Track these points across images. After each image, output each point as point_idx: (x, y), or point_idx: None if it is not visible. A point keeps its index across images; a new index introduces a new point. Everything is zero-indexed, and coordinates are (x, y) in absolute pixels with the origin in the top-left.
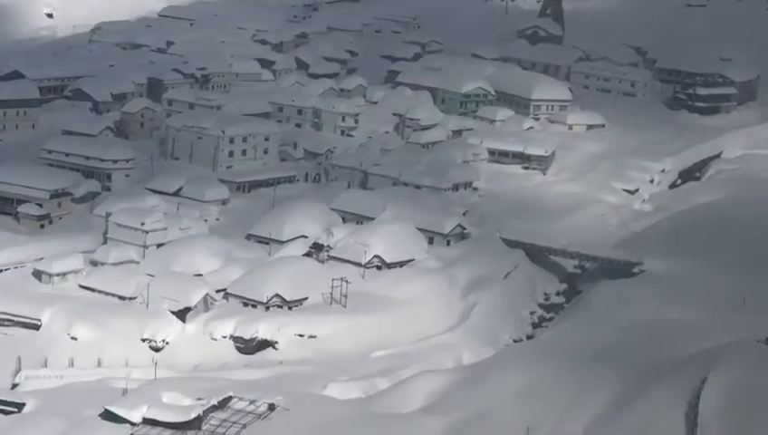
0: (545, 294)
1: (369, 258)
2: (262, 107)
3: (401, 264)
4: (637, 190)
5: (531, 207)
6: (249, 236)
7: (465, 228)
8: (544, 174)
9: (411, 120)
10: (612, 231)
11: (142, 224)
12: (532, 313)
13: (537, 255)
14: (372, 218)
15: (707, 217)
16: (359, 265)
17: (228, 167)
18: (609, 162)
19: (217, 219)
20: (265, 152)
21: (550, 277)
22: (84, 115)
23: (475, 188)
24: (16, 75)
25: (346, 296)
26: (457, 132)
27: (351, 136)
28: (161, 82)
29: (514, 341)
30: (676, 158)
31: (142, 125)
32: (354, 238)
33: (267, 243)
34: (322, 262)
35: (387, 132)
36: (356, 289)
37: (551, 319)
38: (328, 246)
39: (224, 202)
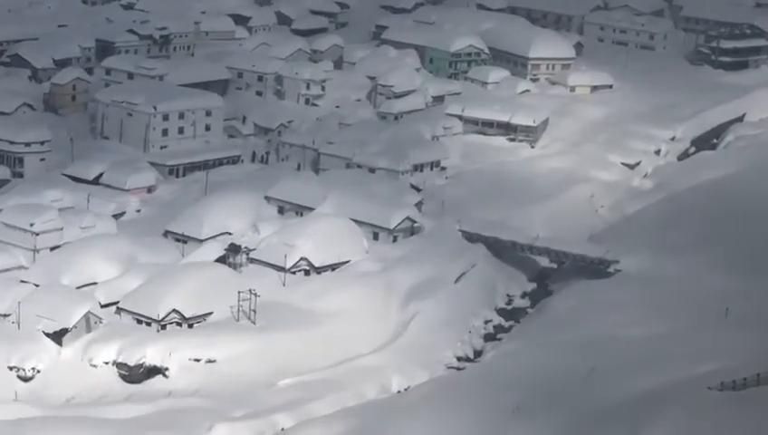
0: (508, 296)
1: (295, 261)
2: (217, 73)
3: (333, 267)
4: (638, 164)
5: (508, 188)
6: (167, 234)
7: (415, 222)
8: (532, 147)
9: (383, 86)
10: (600, 216)
11: (31, 224)
12: (487, 322)
13: (502, 250)
14: (312, 209)
15: (714, 196)
16: (282, 269)
17: (162, 147)
18: (611, 130)
19: (138, 211)
20: (207, 129)
21: (517, 276)
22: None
23: (443, 168)
24: None
25: (255, 311)
26: (439, 98)
27: (316, 106)
28: (112, 44)
29: (458, 359)
30: (690, 123)
31: (74, 98)
32: (279, 237)
33: (185, 241)
34: (238, 267)
35: (358, 100)
36: (274, 300)
37: (510, 328)
38: (245, 247)
39: (149, 190)
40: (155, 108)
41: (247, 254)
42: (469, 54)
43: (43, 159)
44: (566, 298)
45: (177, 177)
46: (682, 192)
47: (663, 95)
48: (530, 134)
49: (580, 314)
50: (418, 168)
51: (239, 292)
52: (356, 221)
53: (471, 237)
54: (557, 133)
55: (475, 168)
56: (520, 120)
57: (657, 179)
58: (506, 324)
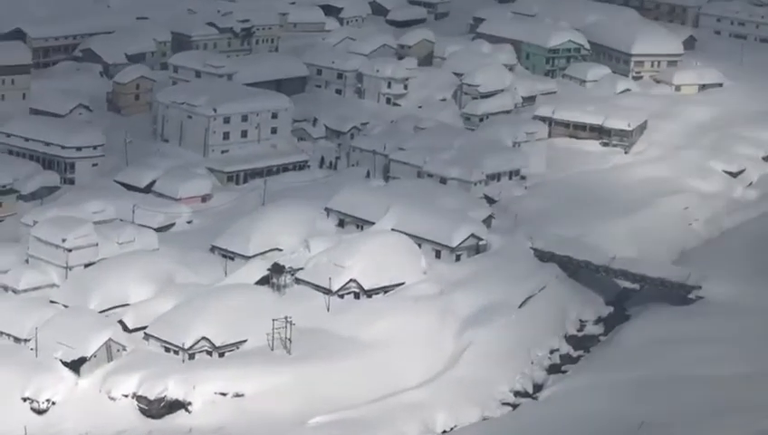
0: (580, 322)
1: (343, 283)
2: (295, 70)
3: (386, 290)
4: (742, 172)
5: (593, 200)
6: (213, 249)
7: (481, 239)
8: (626, 152)
9: (469, 85)
10: (693, 231)
11: (63, 240)
12: (552, 351)
13: (577, 270)
14: (373, 223)
15: None
16: (328, 292)
17: (223, 151)
18: (716, 134)
19: (189, 222)
20: (274, 132)
21: (593, 299)
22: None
23: (523, 177)
24: (17, 35)
25: (290, 340)
26: (530, 99)
27: (398, 105)
28: (189, 38)
29: (515, 393)
30: None
31: (137, 98)
32: (328, 256)
33: (232, 258)
34: (282, 289)
35: (443, 100)
36: (316, 326)
37: (578, 358)
38: (290, 267)
39: (204, 199)
40: (215, 110)
41: (292, 274)
42: (568, 50)
43: (95, 165)
44: (641, 327)
45: (237, 184)
46: None
47: None
48: (624, 138)
49: (653, 347)
50: (495, 177)
51: (273, 319)
52: (417, 238)
53: (543, 256)
54: (656, 137)
55: (560, 176)
56: (614, 123)
57: (763, 189)
58: (575, 354)
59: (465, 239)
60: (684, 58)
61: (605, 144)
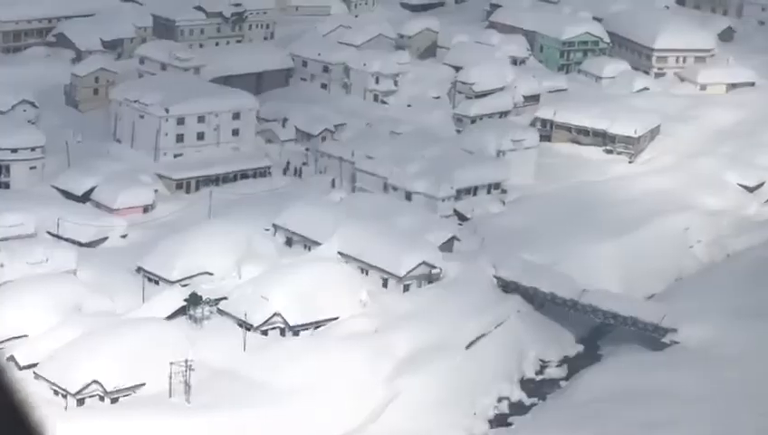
0: (542, 363)
1: (266, 318)
2: (278, 62)
3: (317, 325)
4: (760, 186)
5: (583, 217)
6: (140, 270)
7: (434, 267)
8: (630, 161)
9: (463, 83)
10: (692, 255)
11: None
12: (501, 399)
13: (544, 303)
14: (321, 244)
15: None
16: (250, 327)
17: (177, 155)
18: (738, 141)
19: (124, 237)
20: (235, 134)
21: (561, 336)
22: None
23: (504, 191)
24: None
25: (190, 386)
26: (532, 98)
27: (385, 103)
28: (173, 24)
29: None
30: None
31: (96, 92)
32: (255, 286)
33: (157, 282)
34: (199, 322)
35: (437, 98)
36: (229, 368)
37: (531, 407)
38: (208, 298)
39: (145, 209)
40: (167, 110)
41: (211, 306)
42: (585, 43)
43: (33, 168)
44: (602, 375)
45: (189, 192)
46: None
47: None
48: (630, 146)
49: (608, 402)
50: (470, 191)
51: (171, 363)
52: (364, 264)
53: (507, 286)
54: (669, 143)
55: (551, 189)
56: (619, 128)
57: None
58: (529, 402)
59: (415, 267)
60: (718, 53)
61: (609, 151)
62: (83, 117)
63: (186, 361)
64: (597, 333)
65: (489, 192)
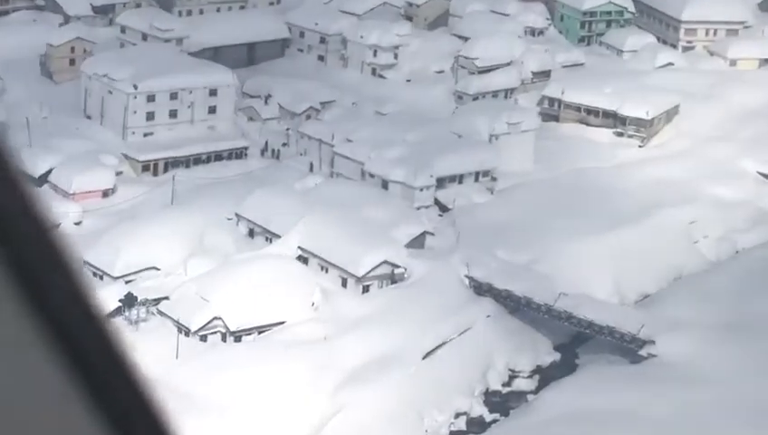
0: (510, 374)
1: (207, 321)
2: (273, 31)
3: (261, 330)
4: None
5: (580, 207)
6: (85, 265)
7: (397, 266)
8: (641, 145)
9: (466, 58)
10: (697, 252)
11: None
12: (459, 414)
13: (519, 307)
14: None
15: None
16: (188, 332)
17: (147, 135)
18: (763, 123)
19: (78, 224)
20: (212, 112)
21: (536, 343)
22: None
23: (494, 179)
24: None
25: None
26: (542, 74)
27: (383, 78)
28: None
29: None
30: None
31: (72, 63)
32: (198, 285)
33: (101, 277)
34: (133, 324)
35: (439, 72)
36: (160, 378)
37: (491, 424)
38: (144, 299)
39: (105, 193)
40: (135, 86)
41: (148, 307)
42: (608, 13)
43: None
44: (571, 389)
45: (156, 174)
46: None
47: None
48: (641, 128)
49: (568, 424)
50: (455, 179)
51: None
52: (324, 261)
53: (480, 288)
54: (688, 125)
55: (550, 175)
56: (631, 109)
57: None
58: (489, 418)
59: (376, 266)
60: (755, 24)
61: (619, 134)
62: (58, 89)
63: None
64: (577, 339)
65: (477, 180)
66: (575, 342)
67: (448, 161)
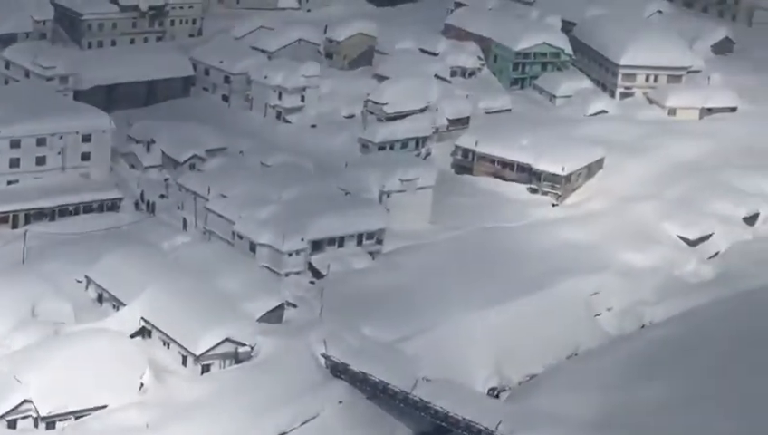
0: None
1: (16, 404)
2: (176, 69)
3: (78, 415)
4: (705, 238)
5: (474, 275)
6: None
7: (242, 344)
8: (554, 204)
9: (375, 103)
10: (597, 326)
11: None
12: None
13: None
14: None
15: None
16: None
17: (10, 182)
18: (695, 180)
19: None
20: (86, 159)
21: (399, 432)
22: None
23: (379, 242)
24: None
25: None
26: (461, 121)
27: (288, 123)
28: (79, 17)
29: None
30: None
31: None
32: (11, 363)
33: None
34: None
35: (349, 117)
36: None
37: None
38: None
39: None
40: None
41: None
42: (544, 55)
43: None
44: None
45: (16, 227)
46: (752, 294)
47: None
48: (556, 185)
49: None
50: (335, 242)
51: None
52: (166, 337)
53: (336, 369)
54: (611, 181)
55: (447, 237)
56: (546, 164)
57: (730, 264)
58: None
59: (217, 345)
60: (705, 69)
61: (533, 190)
62: None
63: None
64: (440, 430)
65: (360, 243)
66: (439, 432)
67: (327, 222)
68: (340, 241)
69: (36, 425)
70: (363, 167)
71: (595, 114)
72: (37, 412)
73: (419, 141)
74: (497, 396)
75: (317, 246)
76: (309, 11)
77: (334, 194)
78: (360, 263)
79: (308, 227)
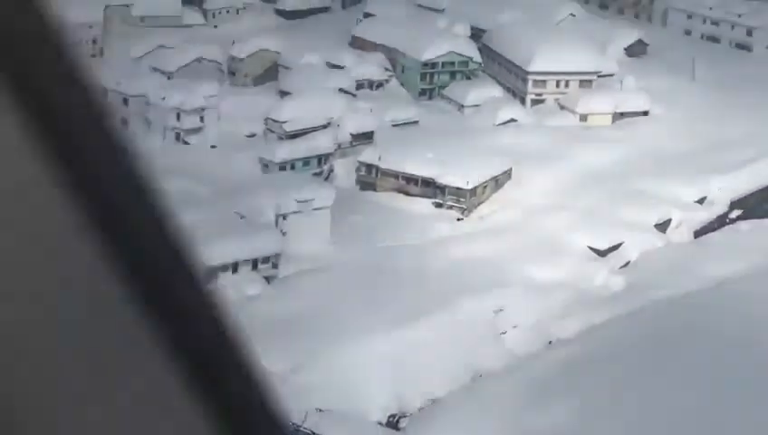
0: None
1: None
2: None
3: None
4: (615, 248)
5: (373, 297)
6: None
7: None
8: (459, 218)
9: (274, 121)
10: (501, 346)
11: None
12: None
13: None
14: None
15: (695, 324)
16: None
17: None
18: (605, 188)
19: None
20: None
21: None
22: None
23: (275, 266)
24: None
25: None
26: (364, 136)
27: (187, 144)
28: None
29: None
30: (740, 173)
31: None
32: None
33: None
34: None
35: (251, 136)
36: None
37: None
38: None
39: None
40: None
41: None
42: (452, 64)
43: None
44: None
45: None
46: (662, 304)
47: (728, 126)
48: (461, 198)
49: None
50: (229, 268)
51: None
52: None
53: None
54: (520, 192)
55: (347, 258)
56: (450, 177)
57: (641, 275)
58: None
59: None
60: (619, 73)
61: (438, 205)
62: None
63: None
64: None
65: (256, 268)
66: None
67: (218, 248)
68: (234, 267)
69: None
70: (257, 188)
71: (504, 123)
72: None
73: (322, 159)
74: (397, 422)
75: (209, 272)
76: (216, 27)
77: (229, 218)
78: (254, 289)
79: (201, 255)
